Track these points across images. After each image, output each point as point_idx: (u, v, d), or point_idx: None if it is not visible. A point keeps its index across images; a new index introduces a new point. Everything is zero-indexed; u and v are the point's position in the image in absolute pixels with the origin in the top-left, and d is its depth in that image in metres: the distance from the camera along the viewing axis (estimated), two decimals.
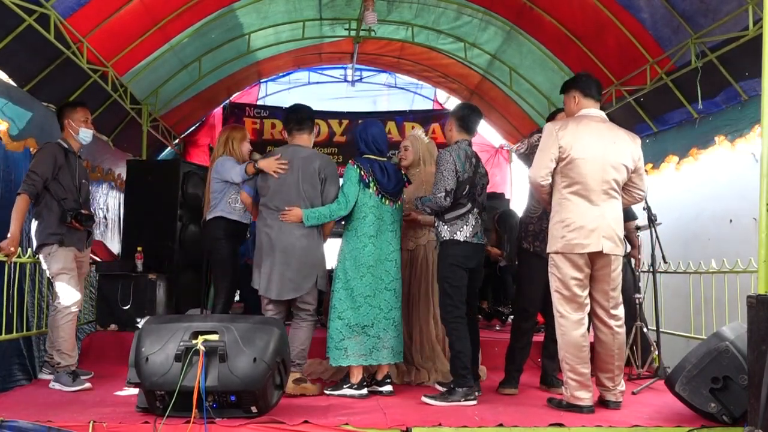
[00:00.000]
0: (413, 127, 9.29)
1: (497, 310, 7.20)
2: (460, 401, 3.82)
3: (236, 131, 4.86)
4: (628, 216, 4.82)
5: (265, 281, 4.11)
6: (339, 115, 9.54)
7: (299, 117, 4.34)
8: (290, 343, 3.98)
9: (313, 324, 4.22)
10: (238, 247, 4.80)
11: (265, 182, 4.21)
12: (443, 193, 3.94)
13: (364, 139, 4.26)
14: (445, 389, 4.05)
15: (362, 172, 4.13)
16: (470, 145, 4.17)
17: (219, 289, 4.68)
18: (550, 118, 4.59)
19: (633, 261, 5.00)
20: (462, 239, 4.01)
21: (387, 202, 4.21)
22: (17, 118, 4.75)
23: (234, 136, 4.77)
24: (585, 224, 3.61)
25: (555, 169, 3.70)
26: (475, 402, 3.85)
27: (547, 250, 3.76)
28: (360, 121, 9.10)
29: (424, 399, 3.89)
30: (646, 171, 5.82)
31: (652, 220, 4.72)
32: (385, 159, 4.28)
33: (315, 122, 4.45)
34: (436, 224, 4.14)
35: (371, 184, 4.14)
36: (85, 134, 4.42)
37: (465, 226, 4.02)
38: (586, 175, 3.63)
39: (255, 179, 4.35)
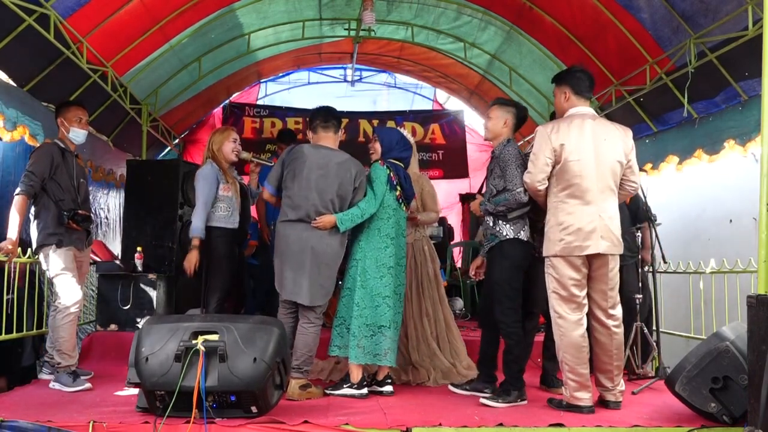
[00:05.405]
0: (413, 128, 9.33)
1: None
2: (516, 402, 3.83)
3: (216, 134, 4.79)
4: (640, 218, 4.83)
5: (294, 286, 4.02)
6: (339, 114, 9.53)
7: (325, 115, 4.26)
8: (296, 349, 3.98)
9: (319, 327, 4.12)
10: (235, 247, 4.80)
11: (293, 183, 4.06)
12: (521, 189, 3.84)
13: (389, 143, 4.26)
14: (461, 390, 4.15)
15: (391, 174, 4.15)
16: None
17: (212, 287, 4.67)
18: (551, 117, 4.60)
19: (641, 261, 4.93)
20: (525, 239, 3.93)
21: (404, 207, 4.24)
22: (31, 124, 4.82)
23: (214, 140, 4.72)
24: (582, 226, 3.60)
25: (550, 171, 3.70)
26: (526, 402, 3.87)
27: (545, 254, 3.75)
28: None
29: (483, 401, 3.84)
30: (646, 171, 5.87)
31: (651, 220, 4.72)
32: (402, 166, 4.30)
33: (341, 124, 4.34)
34: (492, 223, 3.98)
35: (397, 187, 4.16)
36: (76, 134, 4.40)
37: (526, 226, 3.94)
38: (581, 177, 3.62)
39: (275, 172, 4.16)
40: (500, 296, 3.93)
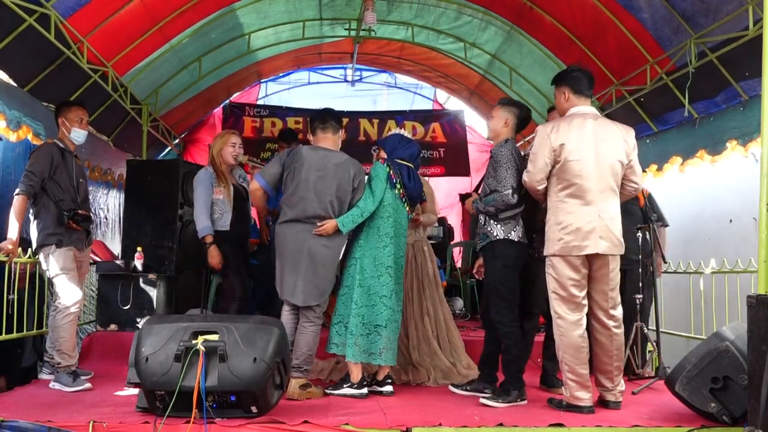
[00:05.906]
0: (414, 127, 9.33)
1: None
2: (516, 401, 3.83)
3: (217, 139, 4.89)
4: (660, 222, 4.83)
5: (291, 287, 4.05)
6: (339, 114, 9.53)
7: (323, 116, 4.26)
8: (297, 348, 3.99)
9: (319, 327, 4.12)
10: (237, 249, 4.80)
11: (292, 185, 4.08)
12: (510, 190, 3.84)
13: (392, 145, 4.28)
14: (461, 391, 4.14)
15: (391, 172, 4.15)
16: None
17: (226, 294, 4.76)
18: (549, 111, 4.61)
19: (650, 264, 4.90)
20: (516, 239, 3.92)
21: (406, 207, 4.24)
22: (32, 124, 4.84)
23: (214, 144, 4.84)
24: (581, 226, 3.60)
25: (550, 171, 3.70)
26: (526, 402, 3.87)
27: (544, 253, 3.75)
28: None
29: (483, 401, 3.85)
30: (647, 172, 5.87)
31: (652, 221, 4.72)
32: (412, 166, 4.31)
33: (342, 124, 4.33)
34: (483, 222, 4.00)
35: (398, 186, 4.16)
36: (77, 134, 4.40)
37: (518, 226, 3.93)
38: (581, 176, 3.62)
39: (272, 168, 4.17)
40: (494, 297, 3.94)
